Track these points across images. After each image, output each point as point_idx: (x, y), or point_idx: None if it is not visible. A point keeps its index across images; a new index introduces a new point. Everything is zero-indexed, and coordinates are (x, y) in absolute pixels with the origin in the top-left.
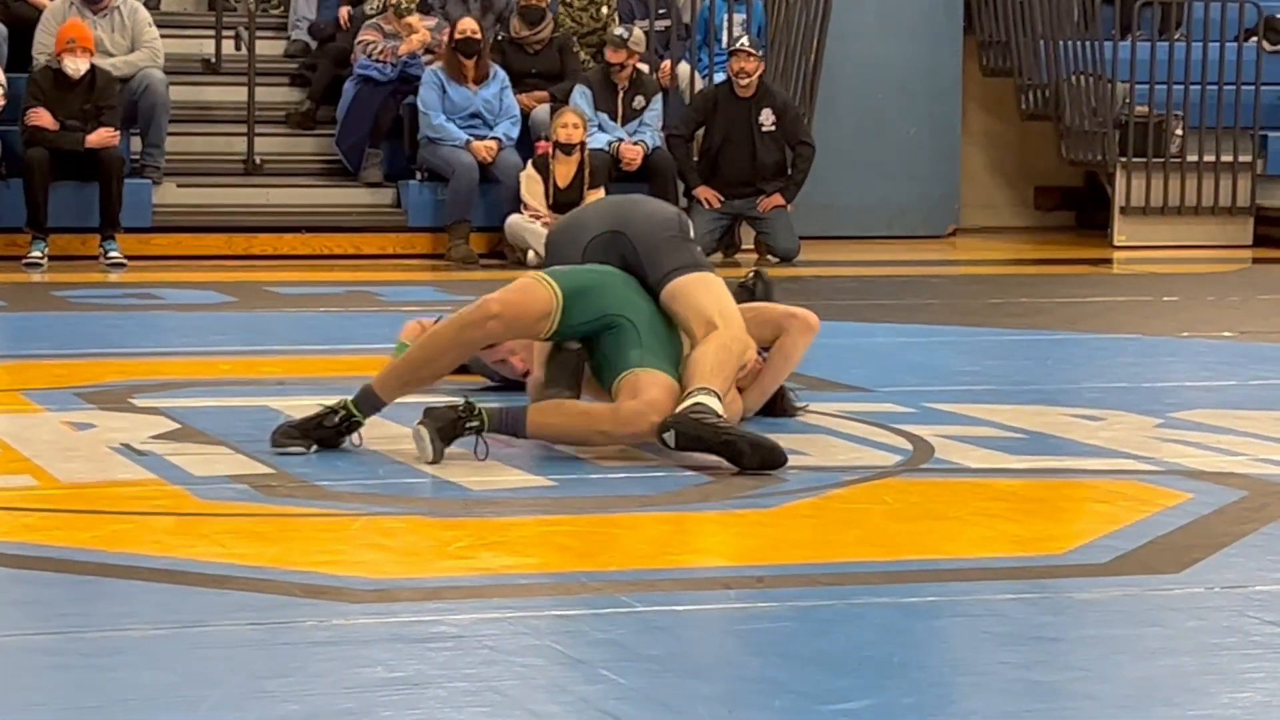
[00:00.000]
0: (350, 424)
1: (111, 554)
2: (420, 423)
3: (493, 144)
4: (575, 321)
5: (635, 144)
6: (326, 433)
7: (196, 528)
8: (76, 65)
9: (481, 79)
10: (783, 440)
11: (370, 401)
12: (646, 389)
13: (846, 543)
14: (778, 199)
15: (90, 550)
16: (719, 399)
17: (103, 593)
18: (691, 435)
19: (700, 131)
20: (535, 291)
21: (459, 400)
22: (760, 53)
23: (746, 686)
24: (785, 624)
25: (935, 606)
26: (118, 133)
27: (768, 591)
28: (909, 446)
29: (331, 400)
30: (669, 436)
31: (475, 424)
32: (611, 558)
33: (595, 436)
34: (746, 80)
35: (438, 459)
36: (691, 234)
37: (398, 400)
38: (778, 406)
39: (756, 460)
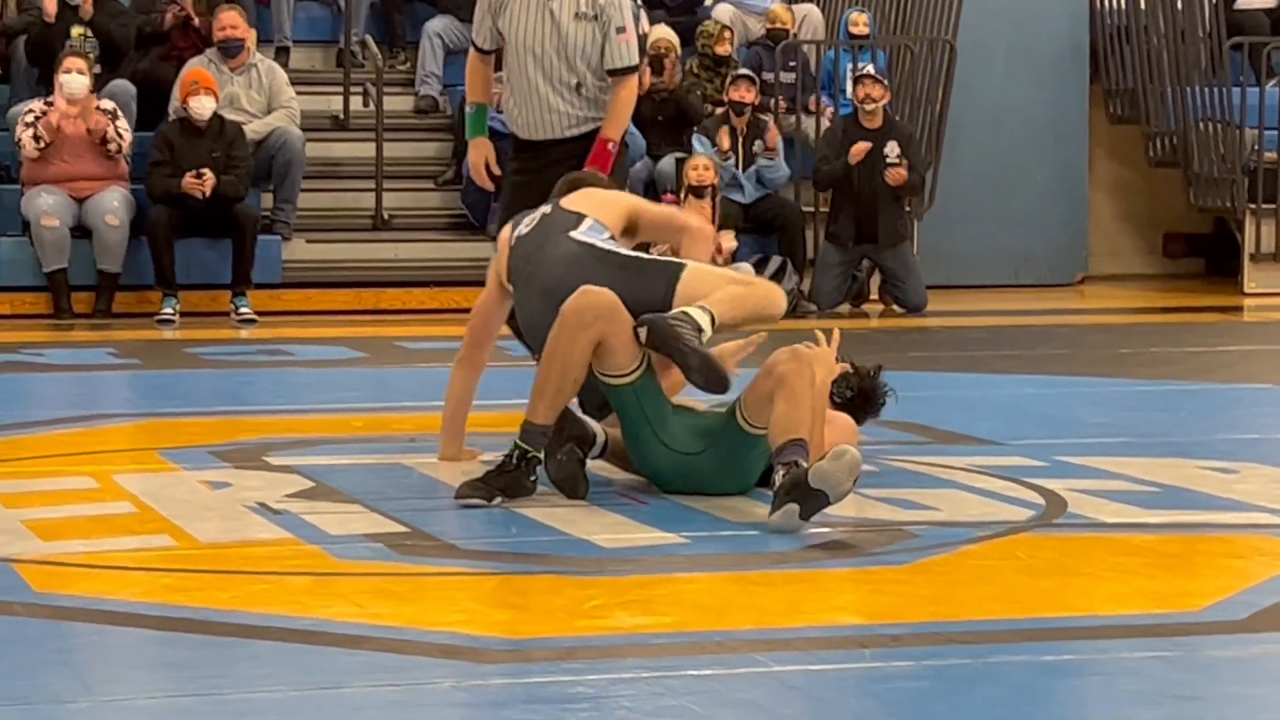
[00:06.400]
0: (527, 460)
1: (250, 614)
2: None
3: None
4: None
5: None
6: (508, 478)
7: (333, 587)
8: (201, 105)
9: None
10: (916, 496)
11: (533, 433)
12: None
13: (981, 599)
14: (902, 173)
15: (229, 611)
16: (711, 320)
17: (242, 654)
18: (658, 337)
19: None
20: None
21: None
22: (885, 82)
23: None
24: (921, 683)
25: (1072, 665)
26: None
27: (903, 650)
28: (1041, 501)
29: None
30: (641, 331)
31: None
32: (746, 616)
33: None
34: (873, 106)
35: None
36: (604, 247)
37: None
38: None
39: (701, 379)
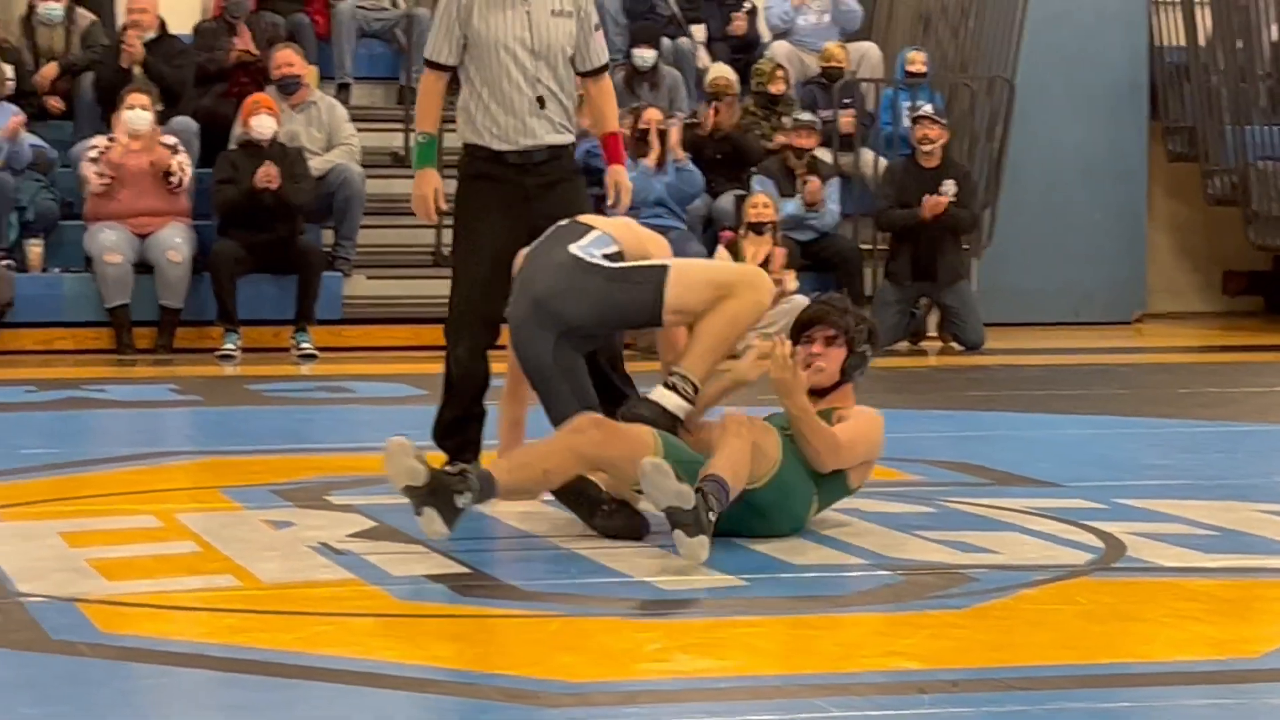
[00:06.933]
0: (464, 477)
1: (313, 656)
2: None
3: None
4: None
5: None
6: (438, 479)
7: (396, 629)
8: (262, 123)
9: (662, 165)
10: (974, 539)
11: (486, 477)
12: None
13: (1039, 645)
14: (941, 201)
15: (293, 652)
16: (692, 390)
17: (306, 696)
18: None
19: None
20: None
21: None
22: (943, 123)
23: None
24: None
25: (1130, 712)
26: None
27: (961, 696)
28: (1100, 544)
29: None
30: (622, 411)
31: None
32: (805, 660)
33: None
34: (930, 147)
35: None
36: (597, 262)
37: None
38: None
39: None
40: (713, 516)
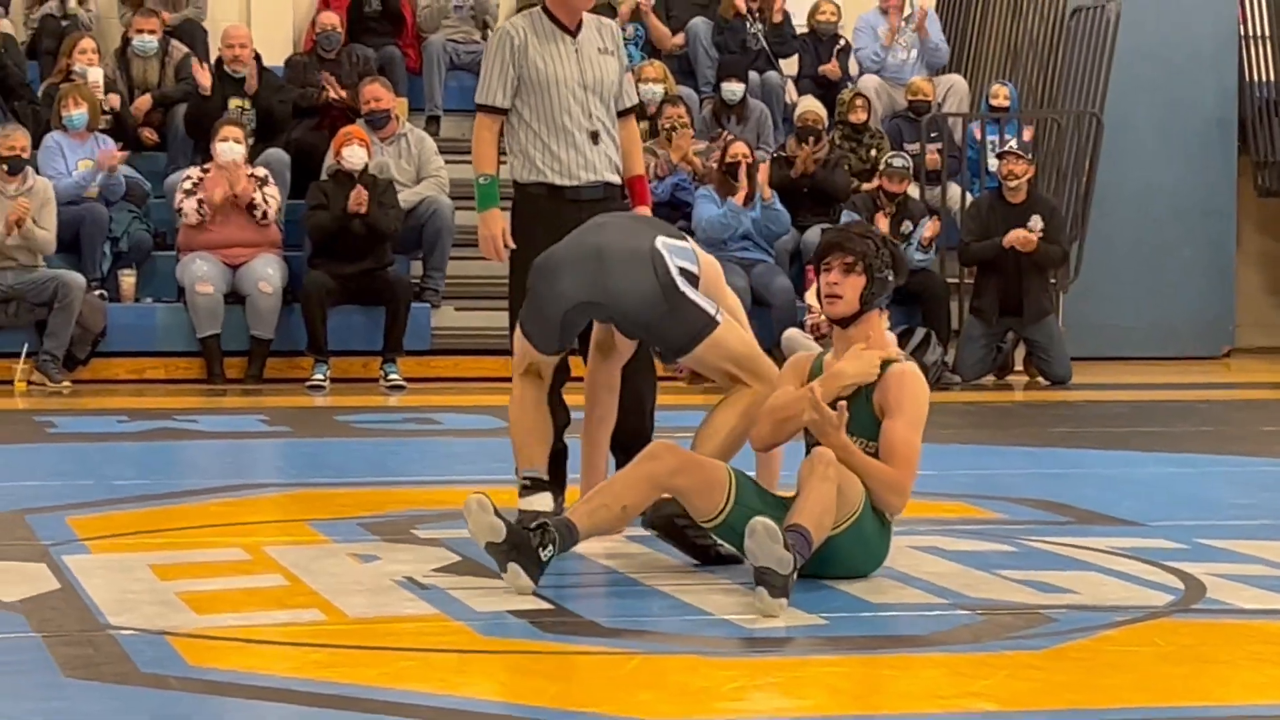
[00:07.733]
0: (544, 532)
1: (396, 691)
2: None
3: None
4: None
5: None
6: (519, 536)
7: (478, 665)
8: (354, 153)
9: (750, 201)
10: (1054, 579)
11: (561, 524)
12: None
13: (1117, 687)
14: (1030, 238)
15: (377, 688)
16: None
17: None
18: (666, 538)
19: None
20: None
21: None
22: (1029, 157)
23: None
24: None
25: None
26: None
27: None
28: (1180, 585)
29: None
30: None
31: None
32: (883, 700)
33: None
34: (1016, 183)
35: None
36: (671, 271)
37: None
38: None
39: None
40: (795, 577)
